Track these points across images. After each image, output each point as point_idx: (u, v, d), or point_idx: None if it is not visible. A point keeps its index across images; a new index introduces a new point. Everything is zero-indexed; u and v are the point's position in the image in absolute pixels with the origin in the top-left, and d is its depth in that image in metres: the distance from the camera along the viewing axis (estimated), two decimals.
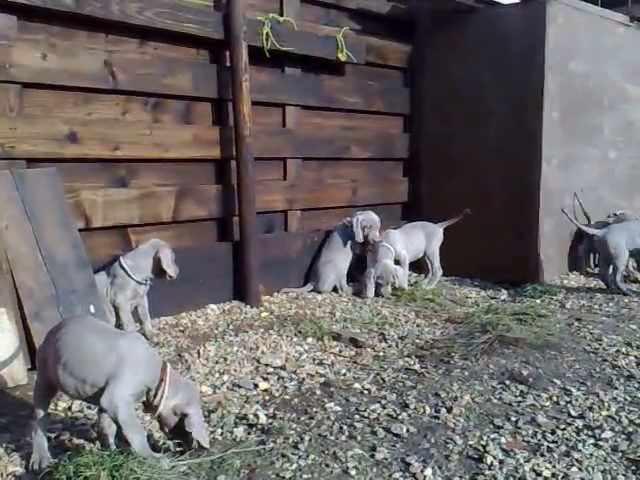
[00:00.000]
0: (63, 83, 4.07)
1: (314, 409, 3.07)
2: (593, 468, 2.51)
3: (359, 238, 5.41)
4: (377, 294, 5.26)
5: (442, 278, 5.83)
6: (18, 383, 3.31)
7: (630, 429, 2.85)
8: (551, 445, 2.70)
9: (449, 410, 3.04)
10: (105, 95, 4.32)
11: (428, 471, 2.50)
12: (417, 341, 4.11)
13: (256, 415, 2.97)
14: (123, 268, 4.06)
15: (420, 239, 5.68)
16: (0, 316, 3.35)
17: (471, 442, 2.73)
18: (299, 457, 2.61)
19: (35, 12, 3.92)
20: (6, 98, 3.83)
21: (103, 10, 4.12)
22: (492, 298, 5.16)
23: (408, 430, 2.85)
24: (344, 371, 3.59)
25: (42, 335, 3.48)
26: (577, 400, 3.16)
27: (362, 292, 5.29)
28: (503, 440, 2.75)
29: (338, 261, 5.46)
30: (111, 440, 2.50)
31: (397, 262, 5.47)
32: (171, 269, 4.12)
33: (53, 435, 2.75)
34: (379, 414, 3.02)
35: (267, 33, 4.94)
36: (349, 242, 5.49)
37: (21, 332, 3.48)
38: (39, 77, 3.95)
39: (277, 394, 3.27)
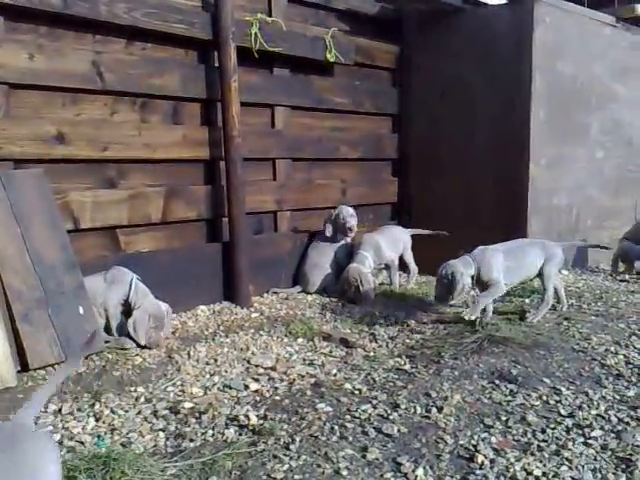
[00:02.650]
0: (51, 84, 4.05)
1: (305, 410, 3.07)
2: (583, 467, 2.52)
3: (329, 232, 5.48)
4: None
5: (431, 278, 5.83)
6: (7, 385, 3.29)
7: (619, 427, 2.86)
8: (541, 444, 2.71)
9: (440, 410, 3.05)
10: (93, 96, 4.30)
11: (419, 471, 2.50)
12: (407, 341, 4.11)
13: (247, 416, 2.97)
14: (133, 281, 4.05)
15: (403, 241, 5.70)
16: None
17: (462, 442, 2.74)
18: (290, 458, 2.61)
19: (22, 12, 3.89)
20: None
21: (91, 10, 4.10)
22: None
23: (399, 430, 2.85)
24: (335, 371, 3.59)
25: (31, 337, 3.51)
26: (567, 399, 3.17)
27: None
28: (494, 439, 2.76)
29: (325, 263, 5.48)
30: None
31: (387, 267, 5.52)
32: (139, 336, 3.91)
33: None
34: (370, 414, 3.02)
35: (255, 34, 4.93)
36: (334, 243, 5.54)
37: (10, 334, 3.45)
38: (26, 78, 3.93)
39: (268, 395, 3.26)
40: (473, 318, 4.20)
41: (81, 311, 3.77)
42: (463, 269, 4.23)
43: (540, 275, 4.48)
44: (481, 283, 4.33)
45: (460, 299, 4.28)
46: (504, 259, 4.33)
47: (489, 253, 4.34)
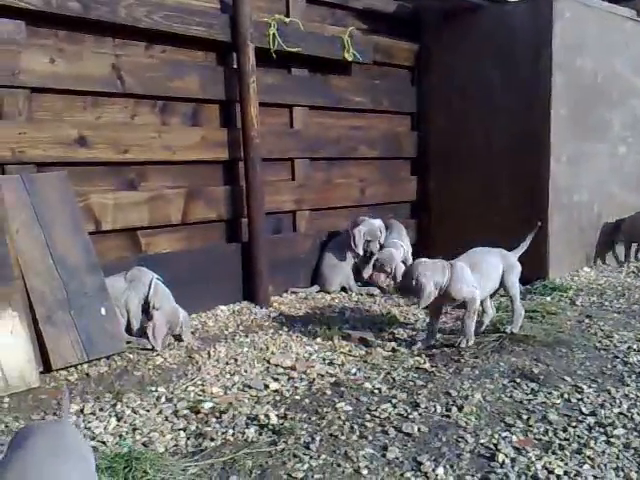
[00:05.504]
0: (72, 87, 4.10)
1: (325, 409, 3.08)
2: (605, 465, 2.50)
3: (360, 251, 5.42)
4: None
5: None
6: (30, 386, 3.33)
7: None
8: (563, 443, 2.69)
9: (460, 409, 3.04)
10: (114, 99, 4.34)
11: (440, 470, 2.50)
12: None
13: (267, 416, 2.98)
14: (153, 281, 4.06)
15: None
16: (12, 320, 3.37)
17: (482, 440, 2.73)
18: (310, 457, 2.61)
19: (43, 17, 3.94)
20: (15, 103, 3.86)
21: (110, 14, 4.14)
22: (502, 296, 5.13)
23: (419, 429, 2.85)
24: (354, 371, 3.59)
25: (54, 338, 3.55)
26: (588, 397, 3.15)
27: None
28: (514, 438, 2.74)
29: (344, 264, 5.47)
30: None
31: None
32: (157, 342, 3.91)
33: None
34: (390, 413, 3.02)
35: (274, 34, 4.95)
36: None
37: (33, 336, 3.50)
38: (48, 82, 3.98)
39: (288, 394, 3.28)
40: (471, 344, 3.88)
41: (103, 312, 3.82)
42: (431, 274, 3.77)
43: (503, 285, 4.07)
44: (450, 299, 3.87)
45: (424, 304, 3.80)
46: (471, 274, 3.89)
47: (459, 267, 3.84)
